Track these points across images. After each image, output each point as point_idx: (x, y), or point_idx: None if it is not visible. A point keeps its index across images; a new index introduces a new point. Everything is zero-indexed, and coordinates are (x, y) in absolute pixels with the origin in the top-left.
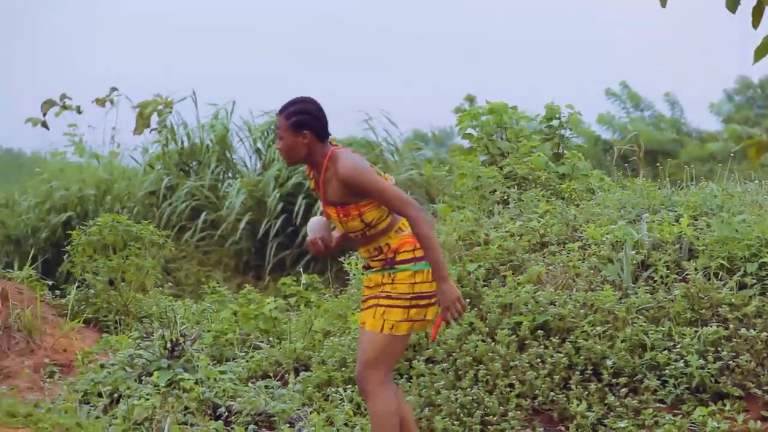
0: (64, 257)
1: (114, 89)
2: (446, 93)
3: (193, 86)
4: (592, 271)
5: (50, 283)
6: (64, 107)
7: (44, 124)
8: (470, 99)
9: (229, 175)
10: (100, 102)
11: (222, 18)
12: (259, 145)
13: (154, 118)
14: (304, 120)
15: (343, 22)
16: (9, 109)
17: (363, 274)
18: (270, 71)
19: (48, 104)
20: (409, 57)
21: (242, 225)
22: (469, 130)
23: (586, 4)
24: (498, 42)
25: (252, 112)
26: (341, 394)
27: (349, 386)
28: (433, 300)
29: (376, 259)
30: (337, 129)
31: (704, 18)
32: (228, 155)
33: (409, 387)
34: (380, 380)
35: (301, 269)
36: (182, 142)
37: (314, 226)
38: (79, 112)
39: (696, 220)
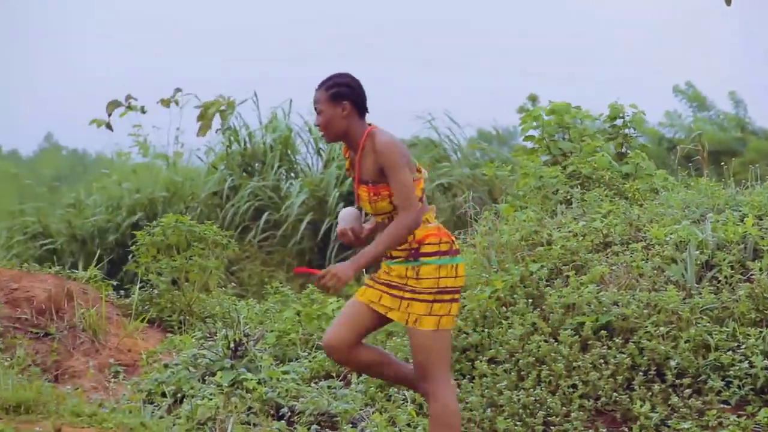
0: (129, 257)
1: (178, 90)
2: (511, 91)
3: (248, 85)
4: (655, 272)
5: (115, 283)
6: (129, 108)
7: (108, 125)
8: (533, 99)
9: (292, 175)
10: (165, 103)
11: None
12: (321, 145)
13: (217, 119)
14: (344, 92)
15: (403, 21)
16: (72, 110)
17: (384, 262)
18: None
19: (113, 105)
20: (473, 55)
21: (303, 225)
22: (532, 131)
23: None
24: (563, 41)
25: (312, 112)
26: (404, 394)
27: None
28: (456, 296)
29: (400, 248)
30: (400, 128)
31: None
32: (290, 155)
33: (471, 387)
34: (437, 381)
35: (363, 269)
36: (245, 143)
37: (345, 217)
38: (143, 113)
39: (761, 219)
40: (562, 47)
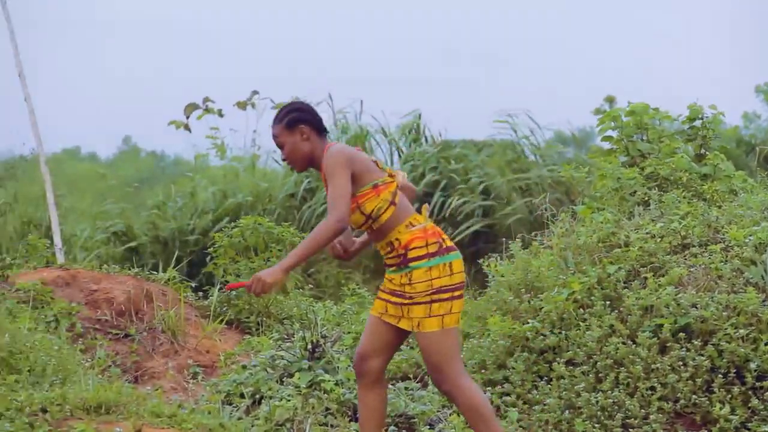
0: (207, 259)
1: (255, 92)
2: (588, 92)
3: (323, 87)
4: (734, 273)
5: (194, 284)
6: (207, 111)
7: (186, 127)
8: (610, 100)
9: None
10: (241, 105)
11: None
12: (401, 144)
13: None
14: (298, 116)
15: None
16: (151, 112)
17: (386, 271)
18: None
19: (191, 107)
20: (550, 56)
21: None
22: (609, 132)
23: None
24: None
25: (384, 112)
26: None
27: (489, 388)
28: (456, 293)
29: (390, 256)
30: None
31: None
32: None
33: (549, 389)
34: (453, 378)
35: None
36: None
37: None
38: (221, 116)
39: None
40: (636, 48)
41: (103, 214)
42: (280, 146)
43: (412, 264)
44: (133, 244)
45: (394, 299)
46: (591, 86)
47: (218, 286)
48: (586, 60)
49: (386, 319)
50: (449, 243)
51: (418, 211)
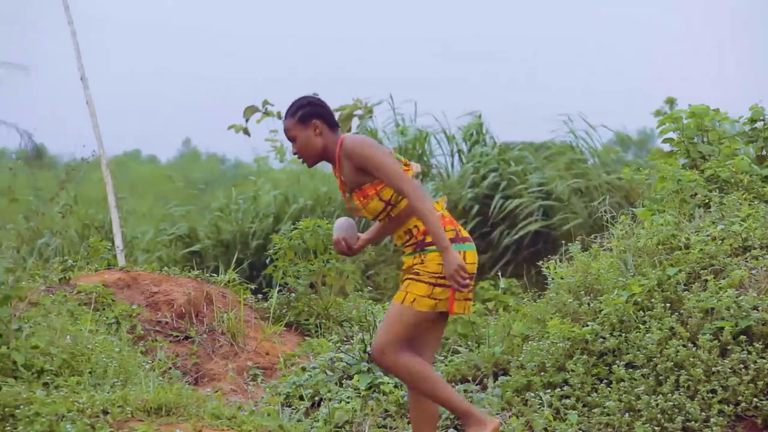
0: (267, 262)
1: (315, 95)
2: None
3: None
4: None
5: (253, 287)
6: (266, 113)
7: (246, 131)
8: (670, 101)
9: (429, 178)
10: None
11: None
12: (462, 146)
13: (353, 122)
14: (310, 111)
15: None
16: (210, 115)
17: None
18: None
19: (250, 110)
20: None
21: None
22: (670, 134)
23: None
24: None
25: (444, 113)
26: (540, 399)
27: (549, 390)
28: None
29: (408, 244)
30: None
31: None
32: (426, 157)
33: (609, 392)
34: (395, 351)
35: (499, 273)
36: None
37: (339, 226)
38: (280, 118)
39: None
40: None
41: (168, 217)
42: (292, 140)
43: (428, 248)
44: (196, 247)
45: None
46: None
47: (277, 288)
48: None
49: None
50: (465, 234)
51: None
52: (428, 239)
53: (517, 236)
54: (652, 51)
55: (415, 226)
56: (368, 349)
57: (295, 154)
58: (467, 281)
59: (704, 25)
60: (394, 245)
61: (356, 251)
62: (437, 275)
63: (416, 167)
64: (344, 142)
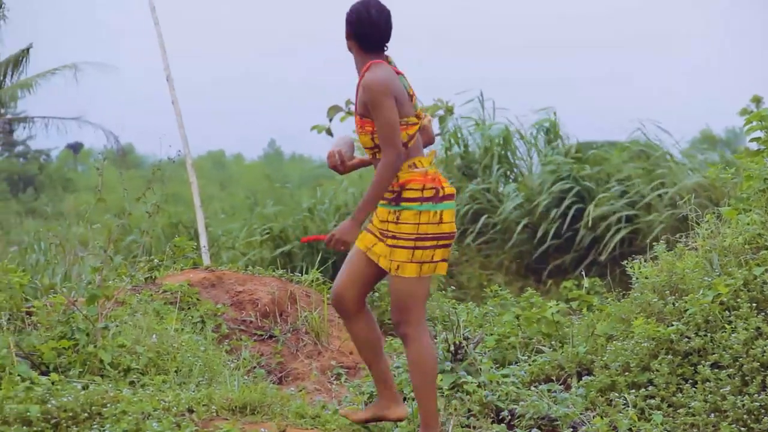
0: None
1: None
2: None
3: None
4: None
5: (419, 207)
6: (349, 113)
7: (329, 131)
8: (757, 100)
9: (512, 178)
10: None
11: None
12: (541, 146)
13: (436, 122)
14: (350, 29)
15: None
16: (293, 115)
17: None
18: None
19: (333, 110)
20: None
21: (518, 228)
22: (757, 132)
23: None
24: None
25: (521, 112)
26: (625, 399)
27: (633, 391)
28: (441, 242)
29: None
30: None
31: None
32: (509, 157)
33: (694, 392)
34: (414, 325)
35: (583, 272)
36: (465, 146)
37: (338, 141)
38: None
39: None
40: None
41: (260, 217)
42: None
43: (403, 204)
44: (286, 248)
45: (378, 236)
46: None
47: None
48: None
49: (369, 254)
50: (448, 191)
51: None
52: (404, 194)
53: (604, 243)
54: (737, 48)
55: (396, 175)
56: (452, 347)
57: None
58: (339, 250)
59: None
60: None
61: (348, 169)
62: (414, 237)
63: (427, 119)
64: (367, 73)
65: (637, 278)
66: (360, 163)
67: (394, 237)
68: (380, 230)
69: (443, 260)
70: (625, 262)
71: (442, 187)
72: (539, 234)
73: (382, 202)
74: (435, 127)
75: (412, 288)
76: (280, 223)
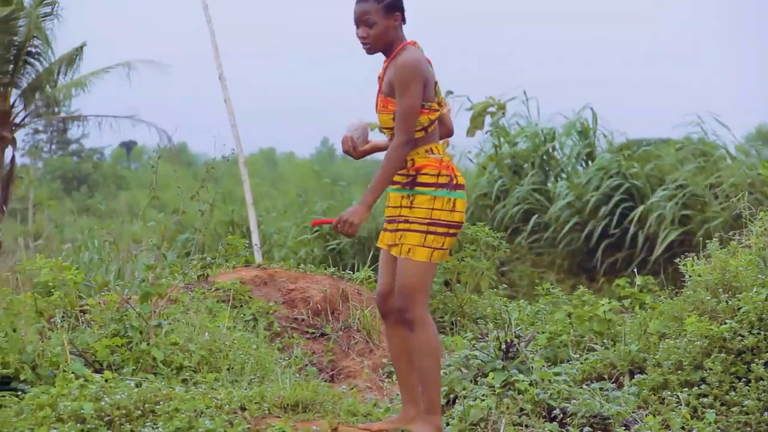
0: None
1: (449, 92)
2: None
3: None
4: None
5: (435, 193)
6: None
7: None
8: None
9: (562, 176)
10: None
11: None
12: (594, 143)
13: (487, 120)
14: (396, 2)
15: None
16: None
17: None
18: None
19: None
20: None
21: (568, 227)
22: None
23: None
24: None
25: (576, 111)
26: (678, 397)
27: (686, 389)
28: (451, 230)
29: (400, 173)
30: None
31: None
32: (558, 156)
33: (747, 391)
34: (421, 307)
35: (635, 270)
36: (515, 144)
37: (351, 125)
38: None
39: None
40: None
41: (311, 215)
42: (368, 24)
43: (418, 188)
44: (333, 244)
45: (390, 226)
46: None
47: None
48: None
49: (389, 250)
50: (461, 181)
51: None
52: (419, 179)
53: (656, 243)
54: None
55: (411, 159)
56: (504, 346)
57: (363, 38)
58: (347, 235)
59: None
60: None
61: (361, 154)
62: (427, 221)
63: (447, 108)
64: (403, 53)
65: (690, 276)
66: (373, 148)
67: (406, 221)
68: (391, 217)
69: (449, 250)
70: (678, 260)
71: (456, 176)
72: (590, 233)
73: (395, 186)
74: (487, 125)
75: (422, 272)
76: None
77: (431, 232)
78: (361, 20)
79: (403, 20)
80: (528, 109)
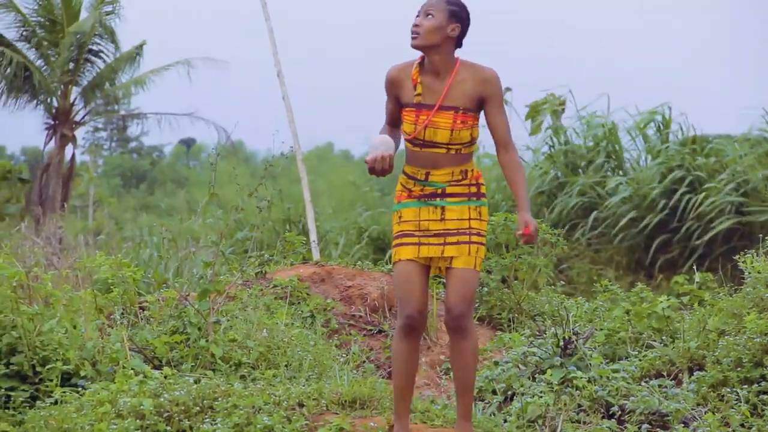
0: None
1: (507, 89)
2: None
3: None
4: None
5: (442, 280)
6: None
7: None
8: None
9: (620, 172)
10: None
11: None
12: (654, 140)
13: (547, 118)
14: (461, 15)
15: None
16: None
17: (425, 203)
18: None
19: None
20: None
21: (623, 222)
22: None
23: None
24: None
25: (638, 107)
26: (737, 395)
27: (745, 386)
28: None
29: (459, 183)
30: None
31: None
32: (617, 152)
33: None
34: (472, 317)
35: (694, 267)
36: (570, 141)
37: (384, 142)
38: None
39: None
40: None
41: (357, 220)
42: (427, 15)
43: (483, 199)
44: (383, 244)
45: (453, 240)
46: None
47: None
48: None
49: (439, 263)
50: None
51: None
52: (482, 189)
53: (711, 232)
54: None
55: (471, 169)
56: (562, 342)
57: (415, 26)
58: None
59: None
60: (426, 181)
61: (391, 171)
62: (483, 232)
63: None
64: (478, 66)
65: (749, 273)
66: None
67: (479, 234)
68: (455, 231)
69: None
70: (737, 256)
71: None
72: (649, 228)
73: (460, 198)
74: (547, 122)
75: (477, 280)
76: (381, 225)
77: (483, 244)
78: (424, 10)
79: (459, 43)
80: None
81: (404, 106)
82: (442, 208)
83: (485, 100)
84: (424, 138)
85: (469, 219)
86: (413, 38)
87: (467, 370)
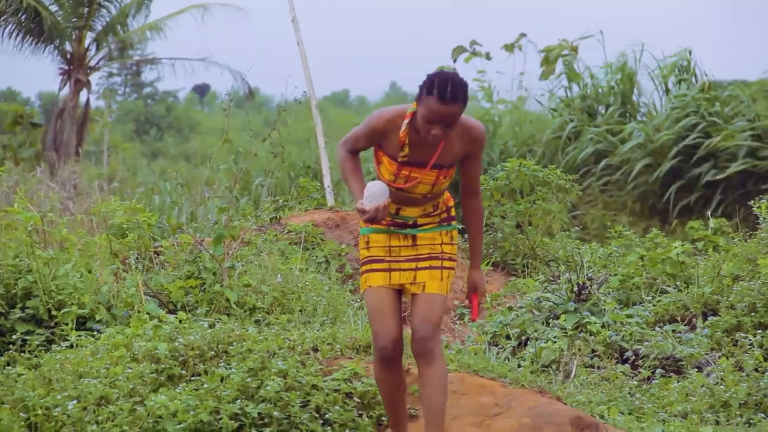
0: None
1: (523, 35)
2: None
3: (599, 27)
4: None
5: (459, 226)
6: (474, 54)
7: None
8: None
9: (638, 117)
10: (508, 48)
11: None
12: (670, 85)
13: (560, 63)
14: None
15: None
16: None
17: (395, 231)
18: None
19: (458, 51)
20: None
21: (637, 168)
22: None
23: None
24: None
25: (664, 52)
26: (751, 339)
27: (759, 331)
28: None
29: (431, 215)
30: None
31: None
32: (634, 98)
33: None
34: (440, 342)
35: (709, 213)
36: (586, 86)
37: (376, 191)
38: (488, 59)
39: None
40: None
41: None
42: (450, 126)
43: (453, 223)
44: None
45: (425, 264)
46: None
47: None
48: None
49: (412, 288)
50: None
51: None
52: (452, 212)
53: (723, 176)
54: None
55: (443, 199)
56: (576, 288)
57: (436, 137)
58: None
59: None
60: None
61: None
62: (454, 255)
63: None
64: (470, 123)
65: (764, 218)
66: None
67: (450, 259)
68: (427, 256)
69: None
70: (752, 201)
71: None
72: (662, 173)
73: (430, 225)
74: (559, 67)
75: (445, 306)
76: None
77: (453, 268)
78: (447, 121)
79: None
80: (605, 49)
81: (385, 154)
82: (413, 236)
83: (469, 155)
84: (404, 187)
85: (441, 244)
86: (432, 142)
87: (435, 399)
